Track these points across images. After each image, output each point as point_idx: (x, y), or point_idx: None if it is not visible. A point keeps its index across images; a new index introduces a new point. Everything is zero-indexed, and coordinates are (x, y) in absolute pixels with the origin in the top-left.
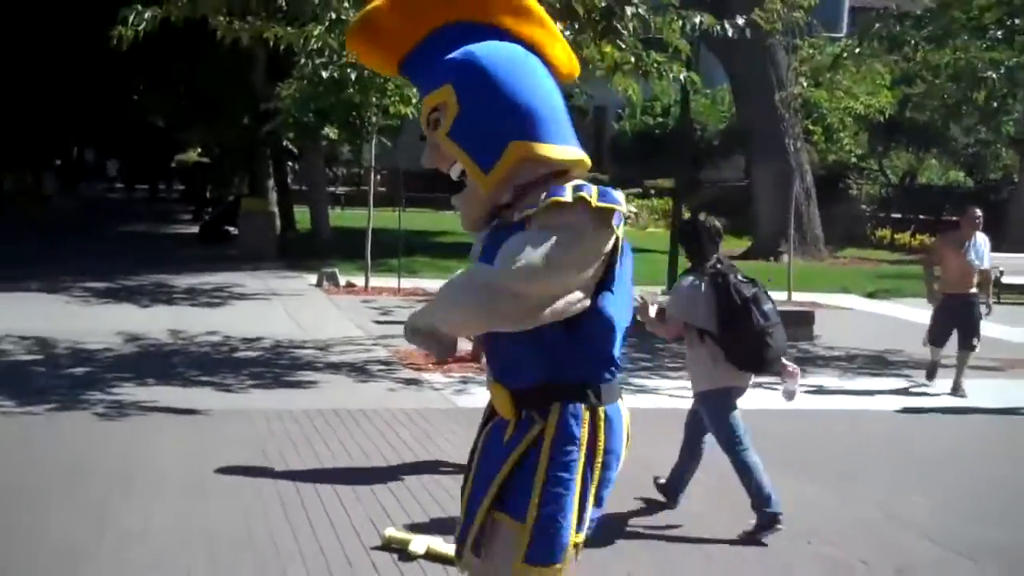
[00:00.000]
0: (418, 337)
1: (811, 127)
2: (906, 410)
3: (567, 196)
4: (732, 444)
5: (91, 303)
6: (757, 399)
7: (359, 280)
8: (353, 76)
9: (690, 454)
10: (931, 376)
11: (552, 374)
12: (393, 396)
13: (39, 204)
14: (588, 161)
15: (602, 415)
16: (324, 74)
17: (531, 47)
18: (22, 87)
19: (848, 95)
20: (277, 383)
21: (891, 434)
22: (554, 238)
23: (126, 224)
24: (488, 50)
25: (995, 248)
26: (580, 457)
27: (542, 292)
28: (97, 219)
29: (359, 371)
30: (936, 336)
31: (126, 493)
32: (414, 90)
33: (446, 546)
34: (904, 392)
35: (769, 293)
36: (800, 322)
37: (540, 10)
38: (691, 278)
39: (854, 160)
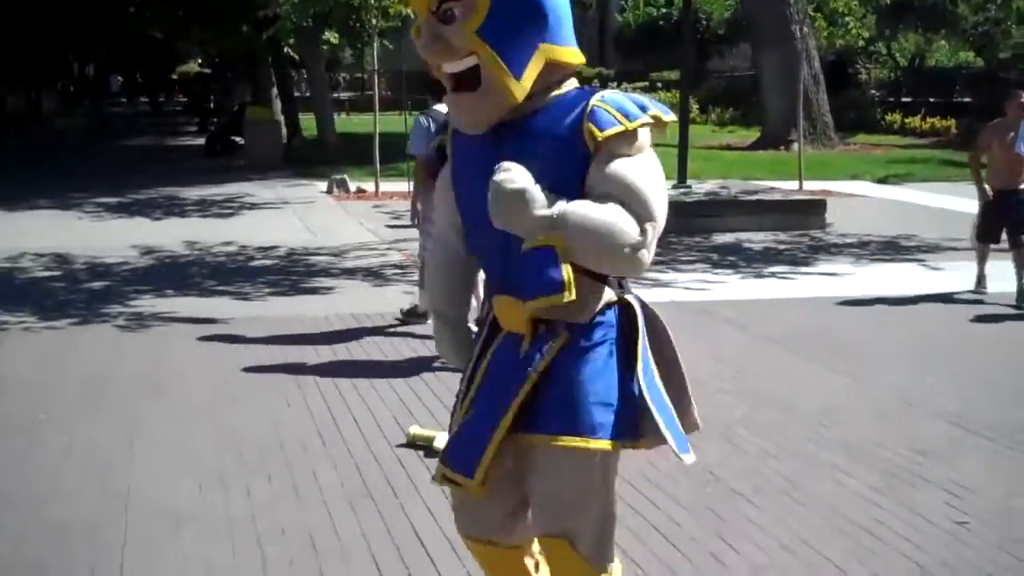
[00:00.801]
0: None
1: (812, 13)
2: (922, 297)
3: (645, 117)
4: None
5: (103, 218)
6: (771, 288)
7: (369, 185)
8: None
9: None
10: (981, 282)
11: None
12: (410, 298)
13: (39, 124)
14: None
15: (632, 304)
16: None
17: None
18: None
19: None
20: (294, 290)
21: (908, 320)
22: (654, 167)
23: (131, 138)
24: None
25: None
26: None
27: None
28: (101, 135)
29: (374, 275)
30: (983, 233)
31: (153, 402)
32: None
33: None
34: (926, 280)
35: None
36: (812, 210)
37: None
38: (420, 118)
39: (862, 44)
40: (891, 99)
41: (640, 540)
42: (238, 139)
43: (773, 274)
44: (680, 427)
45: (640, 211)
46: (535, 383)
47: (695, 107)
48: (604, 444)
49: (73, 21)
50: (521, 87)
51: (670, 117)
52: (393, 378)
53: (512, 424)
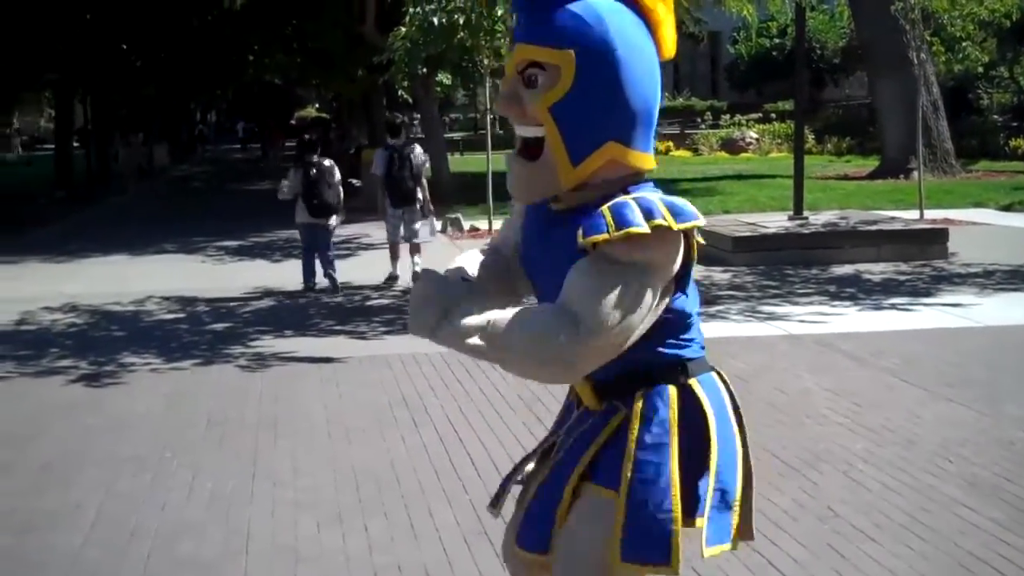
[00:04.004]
0: (458, 344)
1: (929, 39)
2: None
3: (643, 226)
4: None
5: (225, 261)
6: (891, 319)
7: (483, 224)
8: (461, 20)
9: None
10: None
11: (630, 366)
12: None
13: (155, 174)
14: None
15: (696, 389)
16: (434, 20)
17: (646, 19)
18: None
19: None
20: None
21: None
22: (630, 285)
23: (251, 183)
24: (623, 29)
25: None
26: (672, 439)
27: (615, 343)
28: (221, 181)
29: None
30: None
31: (273, 440)
32: None
33: None
34: None
35: None
36: (933, 239)
37: None
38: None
39: (981, 69)
40: (1015, 124)
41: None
42: (355, 181)
43: (893, 305)
44: (727, 524)
45: (584, 316)
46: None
47: (811, 137)
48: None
49: (193, 71)
50: (575, 175)
51: (687, 224)
52: (508, 414)
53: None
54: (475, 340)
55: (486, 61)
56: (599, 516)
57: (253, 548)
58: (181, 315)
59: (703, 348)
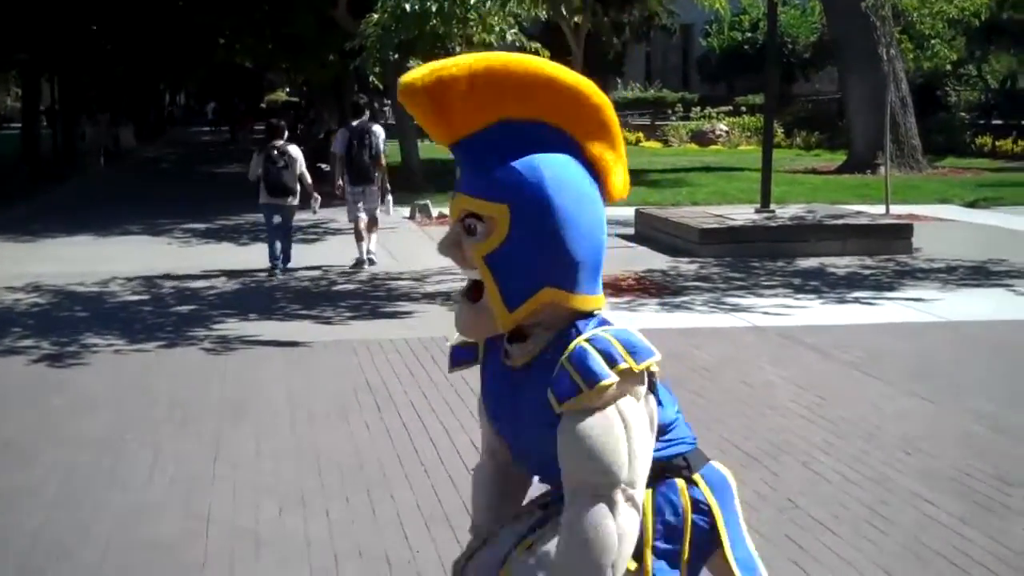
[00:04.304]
0: None
1: (899, 35)
2: (1012, 323)
3: (609, 376)
4: None
5: (191, 243)
6: (855, 313)
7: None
8: (434, 8)
9: None
10: None
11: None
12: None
13: (121, 154)
14: (603, 302)
15: (699, 481)
16: (406, 7)
17: (593, 167)
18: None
19: None
20: (375, 314)
21: (995, 345)
22: (615, 422)
23: (220, 166)
24: (562, 181)
25: None
26: (686, 525)
27: (643, 479)
28: (189, 163)
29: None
30: None
31: (236, 423)
32: (495, 18)
33: None
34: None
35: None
36: (898, 234)
37: (617, 130)
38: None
39: (949, 67)
40: (981, 122)
41: None
42: (324, 166)
43: (857, 299)
44: None
45: (600, 479)
46: None
47: (780, 131)
48: None
49: (163, 54)
50: (511, 319)
51: (646, 362)
52: (472, 401)
53: None
54: None
55: (458, 49)
56: None
57: (213, 531)
58: (145, 297)
59: (695, 441)
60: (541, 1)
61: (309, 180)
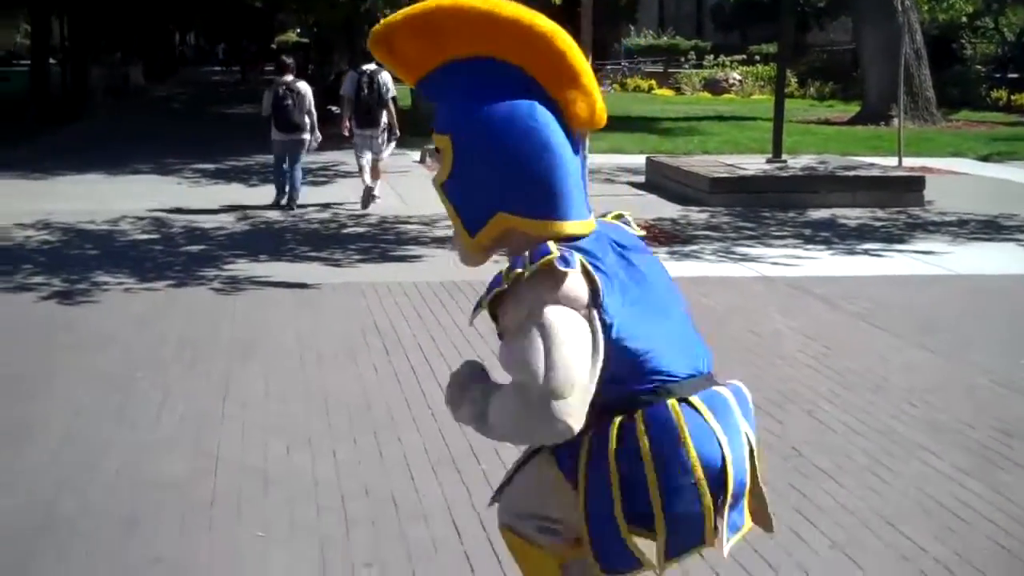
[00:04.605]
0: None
1: None
2: (1021, 277)
3: (527, 268)
4: None
5: (201, 184)
6: (864, 265)
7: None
8: None
9: None
10: None
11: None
12: (496, 267)
13: (130, 95)
14: (588, 226)
15: (672, 417)
16: None
17: (552, 99)
18: None
19: None
20: (384, 257)
21: (1004, 299)
22: (539, 327)
23: (230, 106)
24: (491, 111)
25: None
26: (612, 469)
27: (572, 383)
28: (199, 104)
29: None
30: None
31: (244, 364)
32: None
33: None
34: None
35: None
36: (910, 187)
37: (573, 58)
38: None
39: (965, 19)
40: (997, 75)
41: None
42: (334, 108)
43: (867, 251)
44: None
45: (526, 380)
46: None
47: (793, 81)
48: None
49: None
50: (475, 244)
51: (566, 268)
52: (479, 344)
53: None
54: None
55: None
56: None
57: (222, 469)
58: (155, 236)
59: (676, 379)
60: None
61: (315, 117)
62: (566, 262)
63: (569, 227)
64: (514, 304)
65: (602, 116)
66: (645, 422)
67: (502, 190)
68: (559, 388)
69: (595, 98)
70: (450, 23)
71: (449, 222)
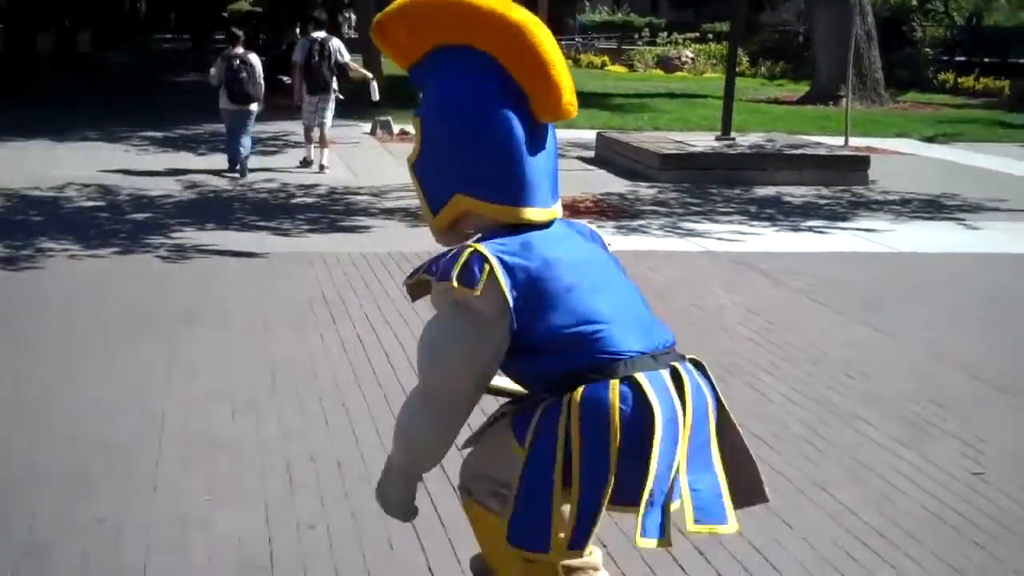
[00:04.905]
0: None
1: None
2: (960, 256)
3: (449, 279)
4: None
5: (148, 151)
6: (807, 241)
7: (412, 129)
8: None
9: None
10: None
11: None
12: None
13: (76, 62)
14: (548, 215)
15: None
16: None
17: (521, 89)
18: None
19: None
20: (332, 227)
21: (943, 277)
22: (435, 340)
23: (178, 75)
24: (457, 96)
25: None
26: (558, 447)
27: (442, 382)
28: (148, 72)
29: (413, 216)
30: None
31: (191, 330)
32: None
33: (503, 379)
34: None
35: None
36: (855, 166)
37: (547, 54)
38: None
39: (915, 2)
40: (945, 58)
41: None
42: (285, 78)
43: (810, 228)
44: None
45: (421, 379)
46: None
47: (745, 60)
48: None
49: None
50: (438, 222)
51: (470, 290)
52: (426, 314)
53: None
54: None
55: None
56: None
57: (167, 433)
58: (101, 203)
59: (623, 355)
60: None
61: (263, 89)
62: (471, 279)
63: (527, 214)
64: (433, 294)
65: (570, 108)
66: (583, 399)
67: (462, 173)
68: (430, 391)
69: (563, 90)
70: (435, 12)
71: (399, 194)
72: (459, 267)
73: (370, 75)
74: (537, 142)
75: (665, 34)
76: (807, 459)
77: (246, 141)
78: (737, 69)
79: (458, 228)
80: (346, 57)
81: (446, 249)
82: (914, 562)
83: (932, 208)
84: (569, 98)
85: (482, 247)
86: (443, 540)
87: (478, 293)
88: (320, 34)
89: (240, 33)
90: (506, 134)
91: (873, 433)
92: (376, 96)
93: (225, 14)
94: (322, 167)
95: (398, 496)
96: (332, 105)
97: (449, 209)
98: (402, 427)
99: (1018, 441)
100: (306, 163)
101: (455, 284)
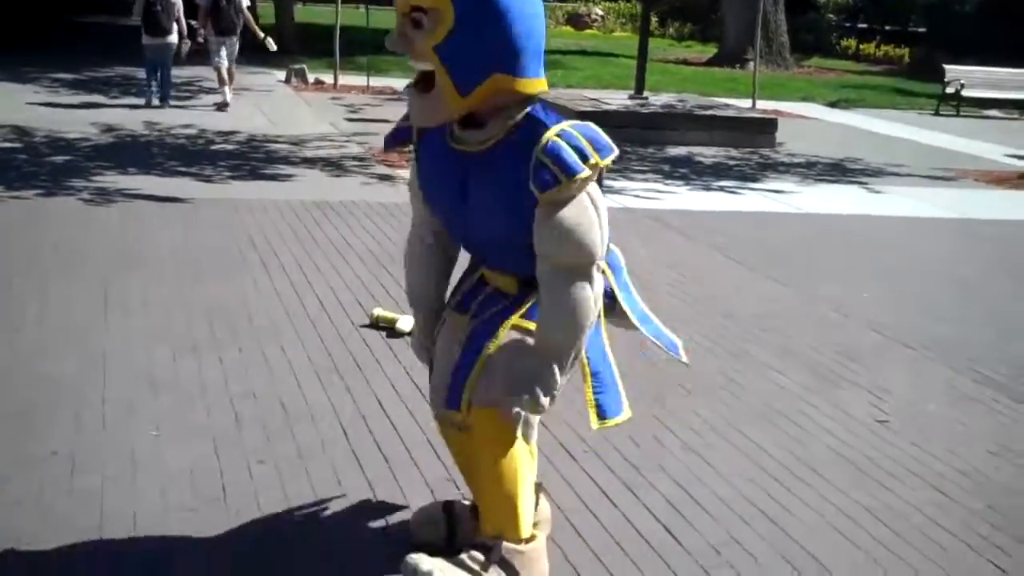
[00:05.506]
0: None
1: None
2: (863, 217)
3: (583, 170)
4: None
5: (61, 94)
6: (719, 200)
7: (327, 77)
8: None
9: None
10: None
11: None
12: (368, 190)
13: None
14: (545, 84)
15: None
16: None
17: None
18: None
19: None
20: (255, 175)
21: (847, 237)
22: (583, 209)
23: (85, 15)
24: None
25: (957, 61)
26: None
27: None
28: (48, 13)
29: (334, 166)
30: None
31: (124, 273)
32: None
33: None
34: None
35: None
36: (763, 129)
37: None
38: None
39: None
40: (848, 24)
41: (584, 418)
42: (194, 22)
43: (722, 188)
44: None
45: (577, 259)
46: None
47: (654, 21)
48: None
49: None
50: (464, 104)
51: (609, 158)
52: (356, 264)
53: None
54: (553, 379)
55: None
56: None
57: (110, 371)
58: (18, 145)
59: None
60: None
61: (184, 24)
62: (602, 147)
63: (540, 85)
64: (568, 191)
65: None
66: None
67: (502, 50)
68: (598, 257)
69: None
70: None
71: (317, 143)
72: (577, 151)
73: (261, 34)
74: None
75: None
76: (724, 404)
77: (167, 73)
78: (649, 29)
79: (482, 107)
80: (245, 2)
81: (511, 146)
82: (825, 499)
83: (836, 171)
84: None
85: (564, 124)
86: (388, 475)
87: (616, 151)
88: None
89: None
90: (537, 10)
91: (786, 382)
92: (273, 48)
93: None
94: (225, 104)
95: (559, 381)
96: (237, 46)
97: (483, 89)
98: (571, 309)
99: (919, 390)
100: (224, 107)
101: (597, 161)
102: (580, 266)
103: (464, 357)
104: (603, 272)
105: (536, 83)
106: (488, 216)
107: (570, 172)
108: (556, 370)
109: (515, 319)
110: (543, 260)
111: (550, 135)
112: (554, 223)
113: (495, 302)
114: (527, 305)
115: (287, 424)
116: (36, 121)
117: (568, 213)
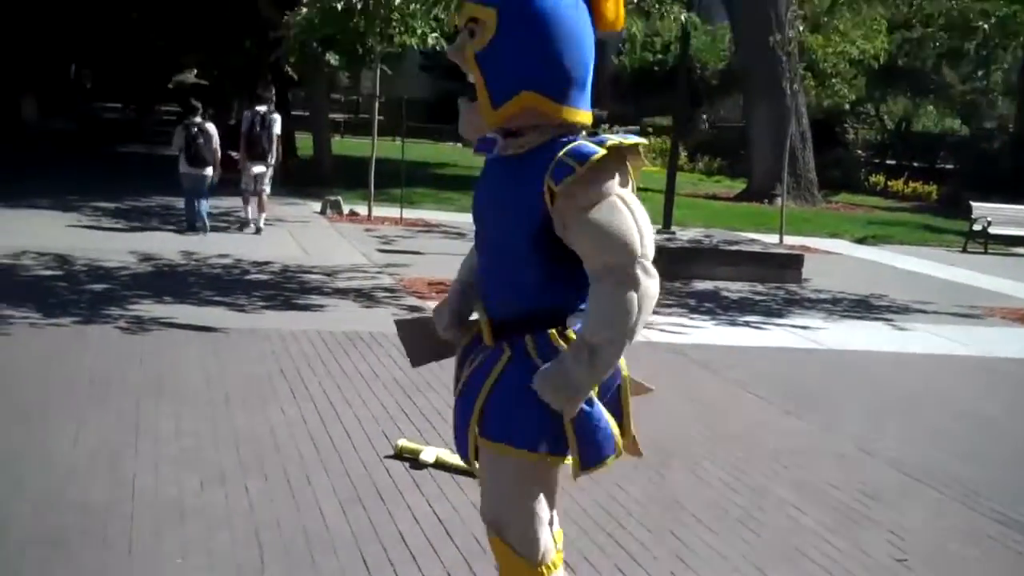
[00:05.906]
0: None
1: (803, 71)
2: (888, 354)
3: (598, 151)
4: None
5: (102, 222)
6: (744, 336)
7: (362, 209)
8: (359, 6)
9: None
10: None
11: (533, 305)
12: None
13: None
14: (589, 118)
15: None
16: (337, 6)
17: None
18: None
19: (844, 39)
20: (287, 305)
21: (870, 374)
22: (615, 205)
23: (125, 145)
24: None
25: (985, 198)
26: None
27: (650, 247)
28: (94, 141)
29: (366, 296)
30: None
31: (155, 402)
32: (418, 20)
33: (453, 456)
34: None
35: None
36: (789, 264)
37: None
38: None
39: (848, 105)
40: (876, 160)
41: (606, 555)
42: (234, 153)
43: (747, 323)
44: (607, 447)
45: (619, 259)
46: (490, 390)
47: (683, 155)
48: (524, 453)
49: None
50: (496, 115)
51: (632, 140)
52: (383, 394)
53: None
54: (592, 373)
55: (378, 47)
56: (496, 470)
57: (138, 499)
58: (59, 272)
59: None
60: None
61: (219, 156)
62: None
63: (579, 116)
64: (588, 186)
65: (622, 21)
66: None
67: (535, 69)
68: (650, 250)
69: (620, 4)
70: None
71: (350, 274)
72: (598, 143)
73: (272, 161)
74: (592, 51)
75: (607, 126)
76: (744, 541)
77: (204, 202)
78: (678, 164)
79: (513, 123)
80: (277, 130)
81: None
82: None
83: (862, 308)
84: (623, 12)
85: (589, 141)
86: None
87: (643, 141)
88: (262, 108)
89: (199, 104)
90: (581, 38)
91: (805, 520)
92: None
93: (170, 86)
94: (259, 229)
95: (592, 385)
96: (270, 173)
97: (514, 103)
98: (610, 309)
99: (939, 529)
100: (244, 225)
101: (616, 143)
102: (618, 266)
103: (463, 406)
104: (648, 271)
105: (576, 113)
106: (500, 214)
107: (583, 157)
108: (588, 372)
109: (500, 367)
110: (585, 261)
111: (578, 140)
112: (586, 224)
113: (479, 353)
114: (503, 360)
115: (308, 552)
116: (77, 249)
117: (598, 214)
